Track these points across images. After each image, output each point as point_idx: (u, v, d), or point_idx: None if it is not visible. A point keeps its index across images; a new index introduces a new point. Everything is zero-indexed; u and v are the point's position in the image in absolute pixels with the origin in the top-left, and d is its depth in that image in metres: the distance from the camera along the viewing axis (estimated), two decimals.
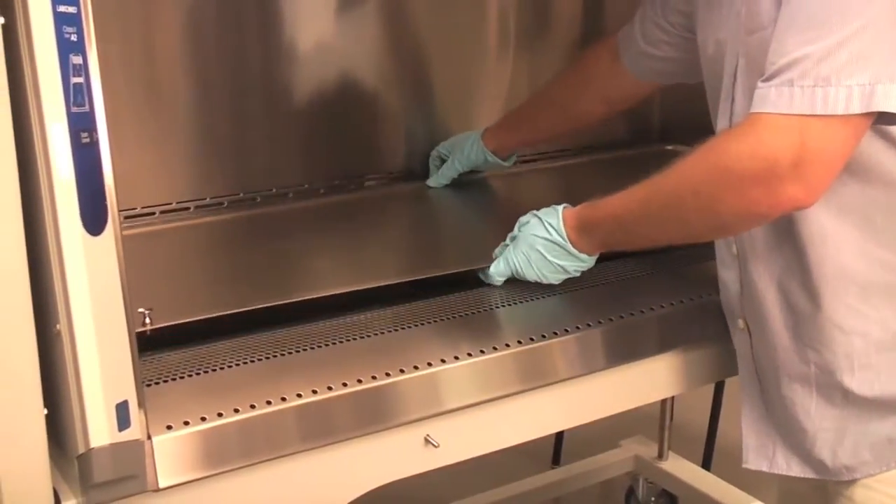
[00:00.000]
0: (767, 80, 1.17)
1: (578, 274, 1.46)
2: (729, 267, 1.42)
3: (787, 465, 1.41)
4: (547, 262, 1.44)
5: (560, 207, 1.45)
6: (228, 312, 1.32)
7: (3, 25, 0.96)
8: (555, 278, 1.46)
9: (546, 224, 1.43)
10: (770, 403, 1.42)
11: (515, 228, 1.48)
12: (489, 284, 1.48)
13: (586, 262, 1.45)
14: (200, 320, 1.30)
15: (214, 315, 1.32)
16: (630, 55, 1.73)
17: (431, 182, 2.00)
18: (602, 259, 1.48)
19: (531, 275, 1.45)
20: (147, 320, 1.25)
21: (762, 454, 1.43)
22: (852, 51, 1.13)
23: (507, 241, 1.49)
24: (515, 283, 1.47)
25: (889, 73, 1.13)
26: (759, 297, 1.37)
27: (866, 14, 1.13)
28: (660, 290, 1.50)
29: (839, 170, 1.19)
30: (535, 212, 1.47)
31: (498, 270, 1.47)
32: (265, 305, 1.35)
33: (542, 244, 1.43)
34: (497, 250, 1.49)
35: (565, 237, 1.42)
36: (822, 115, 1.14)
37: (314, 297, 1.38)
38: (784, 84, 1.15)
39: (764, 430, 1.43)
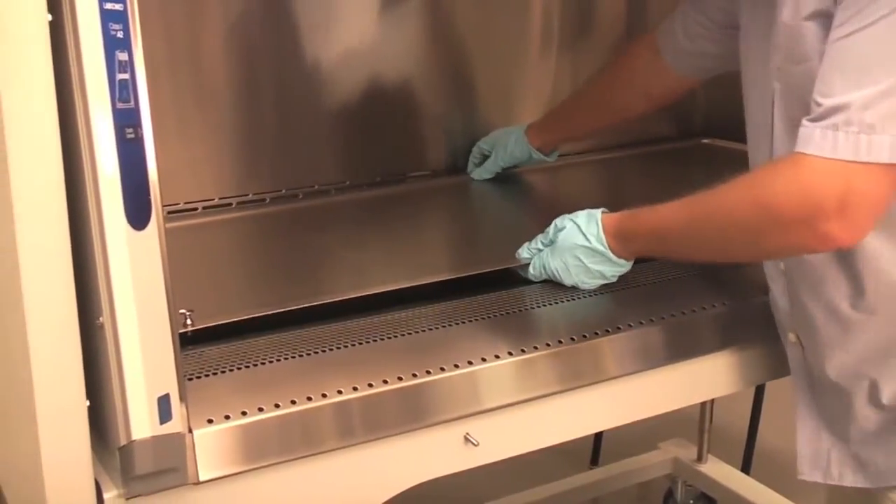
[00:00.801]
0: (813, 120, 1.17)
1: (615, 279, 1.46)
2: (776, 281, 1.42)
3: (840, 475, 1.41)
4: (586, 269, 1.44)
5: (598, 213, 1.45)
6: (268, 313, 1.33)
7: (51, 22, 0.97)
8: (592, 284, 1.46)
9: (585, 231, 1.43)
10: (824, 414, 1.42)
11: (550, 231, 1.48)
12: (530, 282, 1.49)
13: (624, 266, 1.45)
14: (240, 321, 1.31)
15: (253, 316, 1.32)
16: (672, 53, 1.72)
17: (475, 175, 2.01)
18: (643, 260, 1.47)
19: (569, 281, 1.45)
20: (188, 321, 1.26)
21: (816, 465, 1.43)
22: None
23: (539, 244, 1.48)
24: (557, 282, 1.47)
25: None
26: (809, 314, 1.36)
27: None
28: (702, 291, 1.49)
29: (882, 212, 1.19)
30: (569, 216, 1.47)
31: (535, 274, 1.48)
32: (305, 306, 1.35)
33: (582, 251, 1.43)
34: (524, 251, 1.49)
35: (605, 244, 1.42)
36: (866, 163, 1.13)
37: (354, 296, 1.39)
38: (829, 128, 1.15)
39: (818, 441, 1.43)
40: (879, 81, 1.13)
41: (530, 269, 1.48)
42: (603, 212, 1.45)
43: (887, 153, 1.13)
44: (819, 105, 1.16)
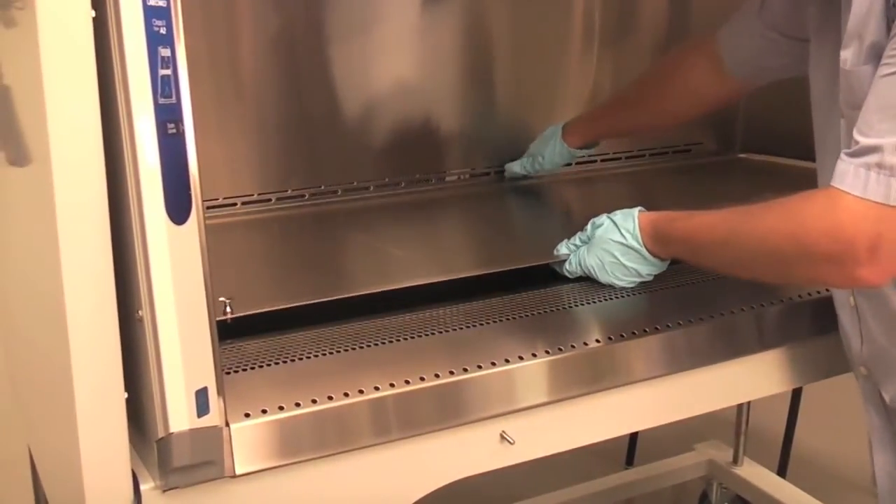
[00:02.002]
0: (851, 155, 1.16)
1: (651, 278, 1.46)
2: (846, 314, 1.41)
3: None
4: (621, 266, 1.44)
5: (635, 212, 1.45)
6: (306, 303, 1.33)
7: (94, 18, 0.97)
8: (628, 282, 1.46)
9: (622, 229, 1.43)
10: None
11: (588, 228, 1.48)
12: (566, 280, 1.49)
13: (659, 266, 1.45)
14: (279, 310, 1.31)
15: (292, 305, 1.33)
16: (738, 65, 1.68)
17: (506, 168, 2.03)
18: (678, 261, 1.47)
19: (605, 278, 1.46)
20: (228, 309, 1.26)
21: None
22: None
23: (577, 240, 1.49)
24: (593, 281, 1.47)
25: None
26: (883, 349, 1.36)
27: None
28: (741, 291, 1.47)
29: None
30: (608, 215, 1.47)
31: (571, 271, 1.48)
32: (341, 297, 1.35)
33: (618, 248, 1.43)
34: (563, 247, 1.50)
35: (641, 242, 1.42)
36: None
37: (390, 289, 1.39)
38: (862, 166, 1.14)
39: None
40: None
41: (566, 265, 1.48)
42: (641, 211, 1.45)
43: None
44: (857, 143, 1.15)
